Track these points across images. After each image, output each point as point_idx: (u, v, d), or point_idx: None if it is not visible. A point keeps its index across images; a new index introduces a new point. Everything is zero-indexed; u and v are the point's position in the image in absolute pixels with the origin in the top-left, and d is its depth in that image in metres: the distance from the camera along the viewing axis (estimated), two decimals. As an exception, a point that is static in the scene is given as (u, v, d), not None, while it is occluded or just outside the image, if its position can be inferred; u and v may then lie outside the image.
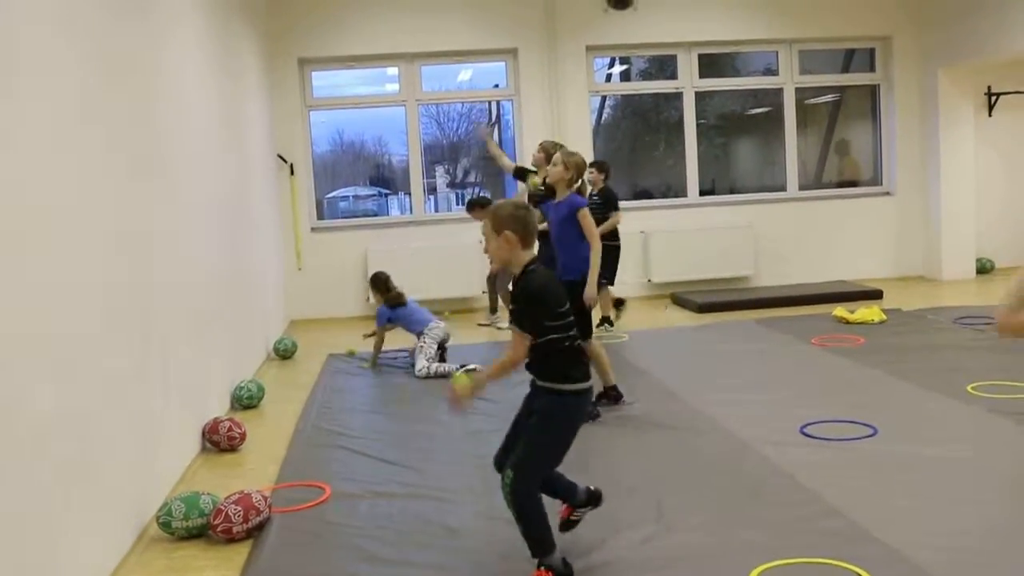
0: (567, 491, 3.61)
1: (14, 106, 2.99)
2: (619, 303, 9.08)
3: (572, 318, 3.42)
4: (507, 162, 8.77)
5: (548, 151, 6.98)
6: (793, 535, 3.63)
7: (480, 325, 9.33)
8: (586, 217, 5.55)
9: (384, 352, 7.58)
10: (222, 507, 3.89)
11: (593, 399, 4.58)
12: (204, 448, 5.31)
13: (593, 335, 5.76)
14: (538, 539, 3.29)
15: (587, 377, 3.42)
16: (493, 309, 9.33)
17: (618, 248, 8.58)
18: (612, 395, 5.81)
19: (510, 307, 3.47)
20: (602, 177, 8.61)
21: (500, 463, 3.44)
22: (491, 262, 4.73)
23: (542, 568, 3.28)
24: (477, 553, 3.64)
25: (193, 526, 3.91)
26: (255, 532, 3.92)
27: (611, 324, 8.72)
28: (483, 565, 3.52)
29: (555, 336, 3.31)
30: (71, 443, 3.31)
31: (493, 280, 9.26)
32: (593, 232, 5.58)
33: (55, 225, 3.28)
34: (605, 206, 8.42)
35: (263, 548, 3.78)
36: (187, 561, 3.74)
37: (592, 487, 3.68)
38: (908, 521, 3.73)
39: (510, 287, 3.49)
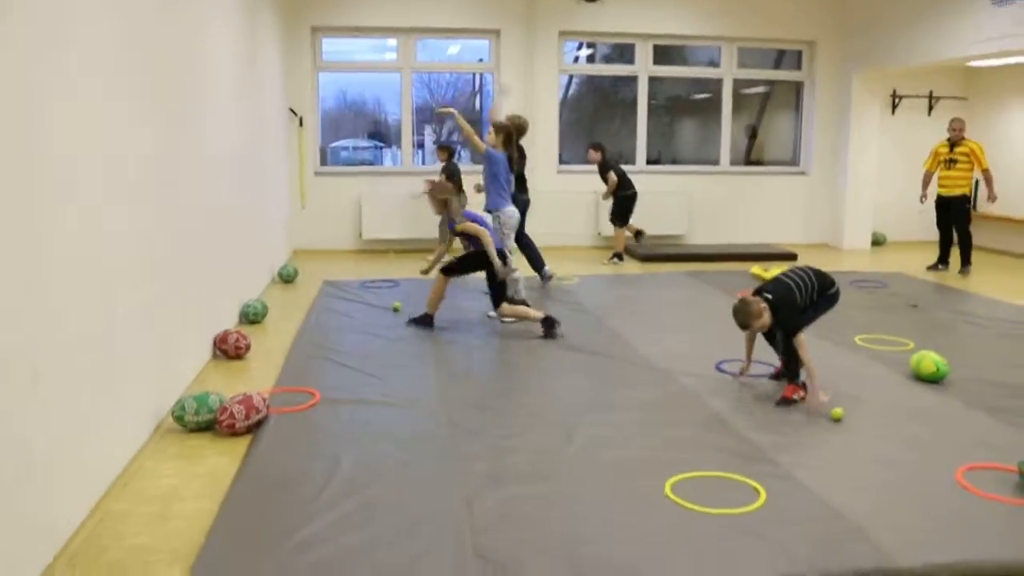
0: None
1: (74, 62, 2.91)
2: (639, 234, 9.80)
3: None
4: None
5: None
6: (703, 452, 3.70)
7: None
8: None
9: (373, 281, 7.53)
10: (227, 405, 3.89)
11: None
12: (215, 355, 5.29)
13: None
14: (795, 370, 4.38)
15: None
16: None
17: (628, 197, 9.36)
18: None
19: None
20: (598, 154, 9.36)
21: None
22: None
23: (793, 384, 4.38)
24: (440, 457, 3.67)
25: (202, 420, 3.91)
26: (255, 428, 3.93)
27: (620, 259, 9.42)
28: (444, 468, 3.55)
29: None
30: (105, 349, 3.29)
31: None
32: None
33: (103, 164, 3.22)
34: (603, 173, 9.35)
35: (261, 441, 3.79)
36: (196, 449, 3.75)
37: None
38: (798, 445, 3.82)
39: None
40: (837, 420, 4.13)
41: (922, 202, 9.40)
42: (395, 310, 6.53)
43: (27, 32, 2.65)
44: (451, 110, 6.66)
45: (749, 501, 3.20)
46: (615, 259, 9.41)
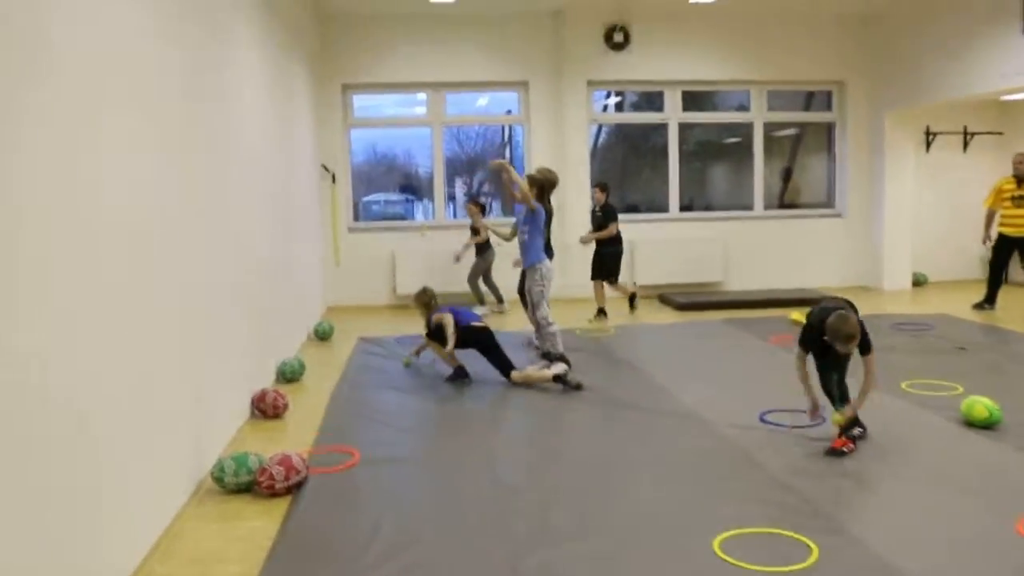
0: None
1: (109, 124, 2.99)
2: (634, 297, 9.32)
3: None
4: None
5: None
6: (751, 507, 3.62)
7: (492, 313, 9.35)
8: None
9: (408, 336, 7.57)
10: (266, 466, 3.89)
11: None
12: (253, 415, 5.31)
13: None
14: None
15: None
16: (481, 301, 9.49)
17: (620, 252, 8.92)
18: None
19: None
20: (604, 195, 8.90)
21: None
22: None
23: (843, 438, 4.30)
24: (482, 517, 3.63)
25: (242, 482, 3.92)
26: (295, 489, 3.93)
27: (605, 315, 8.87)
28: (486, 527, 3.51)
29: None
30: (144, 408, 3.32)
31: (473, 280, 9.55)
32: None
33: (146, 225, 3.29)
34: (605, 217, 8.83)
35: (300, 503, 3.78)
36: (236, 511, 3.74)
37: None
38: (850, 498, 3.73)
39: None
40: (837, 424, 4.31)
41: (984, 244, 9.05)
42: (406, 365, 6.60)
43: (63, 96, 2.73)
44: (504, 163, 6.67)
45: (801, 558, 3.12)
46: (601, 316, 8.80)
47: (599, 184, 9.03)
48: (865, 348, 4.31)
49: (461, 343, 6.04)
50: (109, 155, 3.02)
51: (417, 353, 6.67)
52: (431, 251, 10.25)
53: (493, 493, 3.86)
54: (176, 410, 3.77)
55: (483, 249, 9.53)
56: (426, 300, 6.40)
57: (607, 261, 8.89)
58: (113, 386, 3.01)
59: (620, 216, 8.87)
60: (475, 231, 9.54)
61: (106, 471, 2.92)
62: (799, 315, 8.38)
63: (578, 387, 5.76)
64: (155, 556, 3.27)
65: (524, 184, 6.39)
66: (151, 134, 3.51)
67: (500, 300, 9.61)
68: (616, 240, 8.83)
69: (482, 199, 10.29)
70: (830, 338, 4.23)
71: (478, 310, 8.93)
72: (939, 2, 9.59)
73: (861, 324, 4.27)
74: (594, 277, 8.97)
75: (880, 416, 4.95)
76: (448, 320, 6.05)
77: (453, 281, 9.80)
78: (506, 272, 8.90)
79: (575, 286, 10.08)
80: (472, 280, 9.53)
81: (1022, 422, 4.78)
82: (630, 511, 3.63)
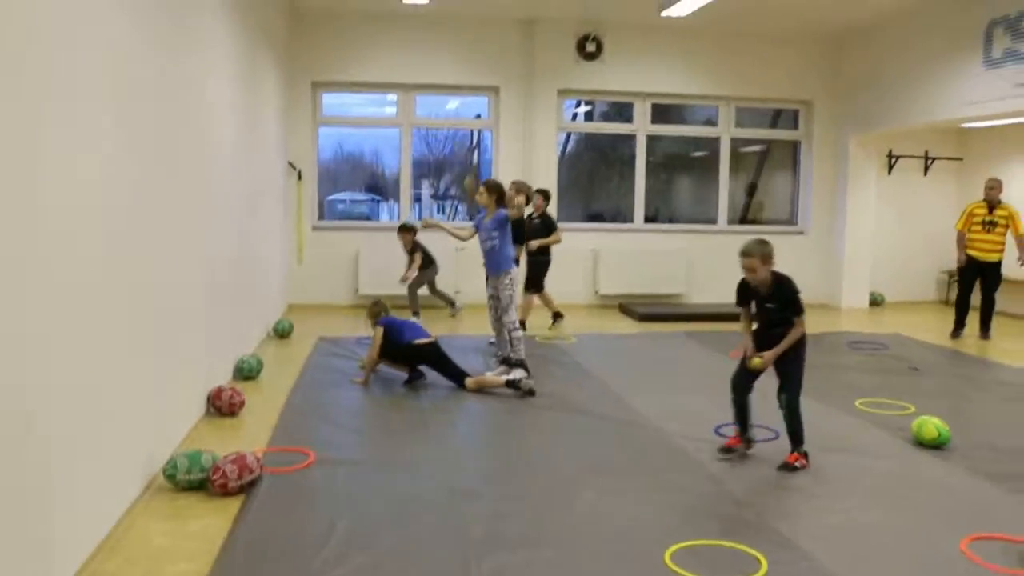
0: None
1: (68, 111, 2.95)
2: (557, 316, 9.01)
3: None
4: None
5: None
6: (703, 519, 3.68)
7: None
8: None
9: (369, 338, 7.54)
10: (220, 465, 3.86)
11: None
12: (208, 412, 5.26)
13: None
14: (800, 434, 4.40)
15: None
16: (416, 312, 8.99)
17: (548, 262, 8.70)
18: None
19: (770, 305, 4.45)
20: (545, 203, 8.78)
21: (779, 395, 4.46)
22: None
23: (795, 453, 4.37)
24: (436, 521, 3.63)
25: (194, 479, 3.88)
26: (248, 488, 3.90)
27: (562, 317, 8.90)
28: (440, 531, 3.52)
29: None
30: (95, 402, 3.27)
31: (413, 289, 9.11)
32: None
33: (101, 214, 3.24)
34: (544, 225, 8.65)
35: (254, 502, 3.76)
36: (187, 509, 3.71)
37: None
38: (798, 513, 3.79)
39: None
40: (756, 366, 4.42)
41: (958, 266, 8.87)
42: (362, 367, 6.49)
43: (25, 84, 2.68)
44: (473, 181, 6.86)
45: (750, 571, 3.17)
46: (558, 320, 8.93)
47: (541, 191, 8.84)
48: (794, 311, 4.42)
49: (408, 360, 6.11)
50: (59, 146, 2.92)
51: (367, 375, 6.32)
52: (396, 252, 10.17)
53: (448, 497, 3.87)
54: (127, 407, 3.71)
55: (426, 264, 9.15)
56: (375, 312, 6.42)
57: (534, 269, 8.66)
58: (62, 384, 2.94)
59: (584, 225, 8.85)
60: (410, 255, 9.10)
61: (55, 469, 2.87)
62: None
63: (530, 392, 5.83)
64: (102, 553, 3.22)
65: (463, 231, 6.71)
66: (105, 125, 3.42)
67: (452, 304, 9.59)
68: (547, 250, 8.65)
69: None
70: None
71: (413, 319, 8.83)
72: (906, 30, 9.83)
73: (790, 288, 4.45)
74: (530, 289, 8.74)
75: (834, 432, 5.04)
76: (377, 336, 6.13)
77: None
78: (474, 274, 8.88)
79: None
80: (412, 289, 9.09)
81: (970, 442, 4.90)
82: (584, 520, 3.65)
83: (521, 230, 6.81)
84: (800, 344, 4.42)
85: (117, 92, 3.51)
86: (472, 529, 3.50)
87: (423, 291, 9.26)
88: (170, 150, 4.38)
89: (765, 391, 4.62)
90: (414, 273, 9.01)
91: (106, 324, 3.41)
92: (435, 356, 6.09)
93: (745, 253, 4.39)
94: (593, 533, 3.51)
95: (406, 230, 9.12)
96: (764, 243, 4.40)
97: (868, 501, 3.98)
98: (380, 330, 6.14)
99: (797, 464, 4.35)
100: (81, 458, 3.12)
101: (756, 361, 4.41)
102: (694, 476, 4.27)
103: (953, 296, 11.23)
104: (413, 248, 9.09)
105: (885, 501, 3.98)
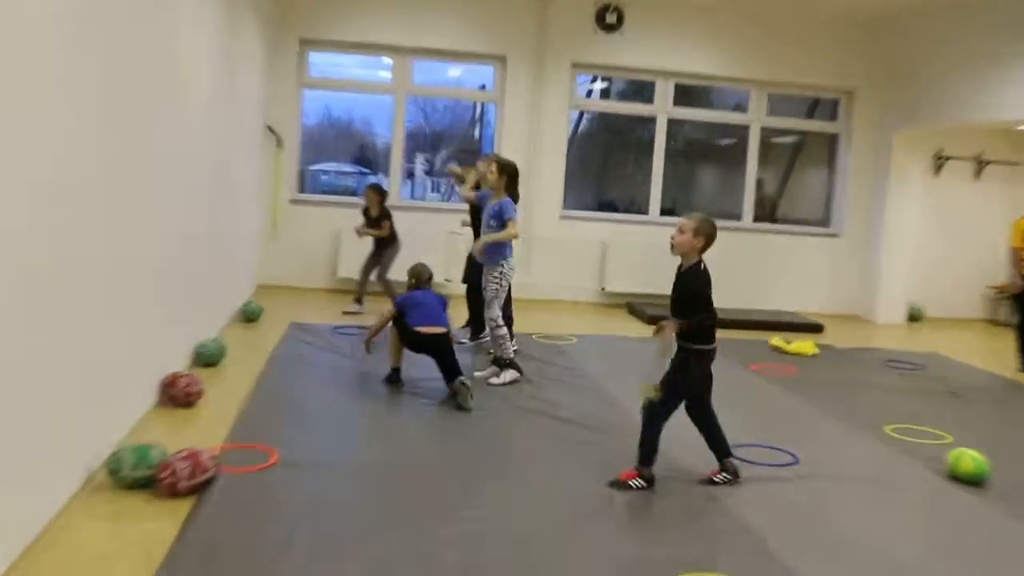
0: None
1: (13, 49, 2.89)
2: (360, 300, 8.93)
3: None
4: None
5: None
6: (710, 548, 3.64)
7: (345, 313, 8.74)
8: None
9: (347, 327, 7.51)
10: (170, 461, 3.81)
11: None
12: (161, 401, 5.21)
13: None
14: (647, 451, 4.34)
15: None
16: (360, 299, 8.92)
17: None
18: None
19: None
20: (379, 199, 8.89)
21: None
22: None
23: (635, 469, 4.33)
24: (404, 532, 3.59)
25: (140, 477, 3.83)
26: (200, 489, 3.85)
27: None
28: (409, 547, 3.48)
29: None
30: (27, 385, 3.21)
31: (366, 272, 9.02)
32: None
33: (42, 173, 3.18)
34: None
35: (206, 505, 3.71)
36: (131, 510, 3.66)
37: None
38: (814, 548, 3.75)
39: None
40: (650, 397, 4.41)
41: (1013, 291, 8.42)
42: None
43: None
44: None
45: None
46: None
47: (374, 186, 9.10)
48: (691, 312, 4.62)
49: (411, 346, 6.01)
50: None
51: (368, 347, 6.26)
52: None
53: (422, 512, 3.82)
54: (66, 392, 3.65)
55: (385, 244, 8.98)
56: (415, 272, 6.26)
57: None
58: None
59: (593, 214, 8.79)
60: (374, 222, 8.93)
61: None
62: (781, 341, 8.48)
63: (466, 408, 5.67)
64: (31, 556, 3.17)
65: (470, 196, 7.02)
66: (46, 78, 3.34)
67: (360, 301, 8.97)
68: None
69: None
70: None
71: (351, 308, 8.78)
72: (964, 15, 9.72)
73: (696, 280, 4.71)
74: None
75: (858, 459, 5.00)
76: (385, 314, 6.05)
77: (402, 270, 9.73)
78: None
79: (535, 285, 10.09)
80: (363, 273, 9.00)
81: (1010, 481, 4.85)
82: (574, 549, 3.61)
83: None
84: (694, 355, 4.56)
85: (62, 37, 3.43)
86: (445, 552, 3.44)
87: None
88: (129, 104, 4.30)
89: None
90: (370, 231, 8.83)
91: (40, 300, 3.33)
92: (438, 348, 5.96)
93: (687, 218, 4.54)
94: (585, 566, 3.47)
95: (376, 190, 8.94)
96: (708, 222, 4.60)
97: (895, 539, 3.93)
98: (390, 310, 6.02)
99: (631, 483, 4.32)
100: (8, 445, 3.07)
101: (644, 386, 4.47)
102: (701, 500, 4.22)
103: (1000, 316, 11.28)
104: (381, 214, 8.89)
105: (913, 539, 3.94)
